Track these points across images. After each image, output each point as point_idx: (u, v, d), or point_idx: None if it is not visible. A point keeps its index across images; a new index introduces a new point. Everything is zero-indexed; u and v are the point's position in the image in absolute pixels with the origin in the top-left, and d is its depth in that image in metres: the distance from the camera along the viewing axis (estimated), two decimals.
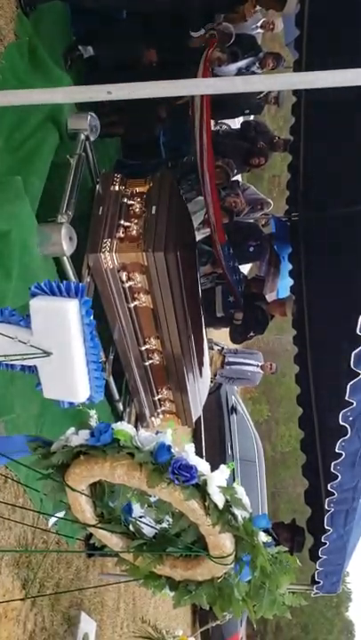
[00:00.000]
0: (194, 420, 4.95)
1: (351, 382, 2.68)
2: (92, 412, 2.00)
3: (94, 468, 1.98)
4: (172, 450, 1.88)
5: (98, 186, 3.71)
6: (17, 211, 2.78)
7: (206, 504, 1.86)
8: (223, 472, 1.90)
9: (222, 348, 7.28)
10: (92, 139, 3.54)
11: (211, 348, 7.04)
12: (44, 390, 1.94)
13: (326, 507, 3.36)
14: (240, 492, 1.90)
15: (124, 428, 1.93)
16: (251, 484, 8.12)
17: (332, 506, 3.36)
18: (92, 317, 1.78)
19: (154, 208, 3.50)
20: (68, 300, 1.73)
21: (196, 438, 8.15)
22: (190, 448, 1.91)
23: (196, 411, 4.88)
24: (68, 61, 4.23)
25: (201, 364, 4.67)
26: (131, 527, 2.15)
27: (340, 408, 2.78)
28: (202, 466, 1.90)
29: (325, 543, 3.45)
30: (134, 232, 3.42)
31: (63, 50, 4.21)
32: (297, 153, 5.51)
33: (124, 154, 5.49)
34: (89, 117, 3.47)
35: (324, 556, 3.52)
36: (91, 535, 2.27)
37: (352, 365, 2.62)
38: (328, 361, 4.19)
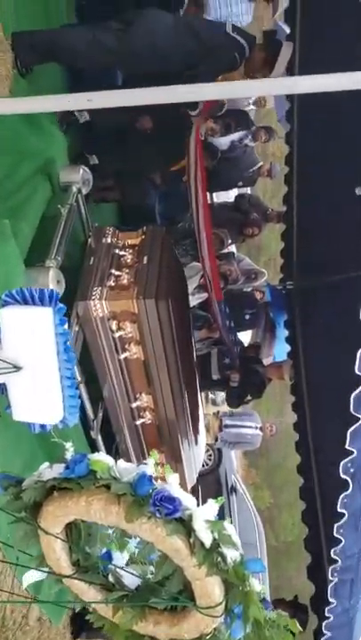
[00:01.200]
0: (188, 490, 4.71)
1: (351, 428, 2.53)
2: (69, 445, 1.84)
3: (69, 504, 1.78)
4: (154, 481, 1.71)
5: (90, 239, 3.70)
6: (1, 252, 2.72)
7: (192, 541, 1.66)
8: (211, 506, 1.72)
9: (218, 412, 7.11)
10: (84, 192, 3.56)
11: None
12: (13, 412, 1.78)
13: (330, 576, 3.09)
14: (230, 529, 1.71)
15: (102, 458, 1.76)
16: None
17: (336, 575, 3.09)
18: (65, 326, 1.67)
19: (145, 258, 3.47)
20: (41, 307, 1.62)
21: None
22: (174, 479, 1.73)
23: (191, 480, 4.64)
24: (63, 126, 4.33)
25: (196, 430, 4.49)
26: (110, 577, 1.92)
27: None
28: (187, 499, 1.71)
29: (329, 617, 3.15)
30: (125, 281, 3.36)
31: (59, 114, 4.32)
32: (290, 221, 5.59)
33: (121, 220, 5.56)
34: (81, 170, 3.50)
35: (328, 633, 3.19)
36: (77, 614, 2.03)
37: (352, 410, 2.48)
38: (328, 427, 4.04)
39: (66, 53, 3.68)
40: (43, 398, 1.72)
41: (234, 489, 9.08)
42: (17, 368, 1.65)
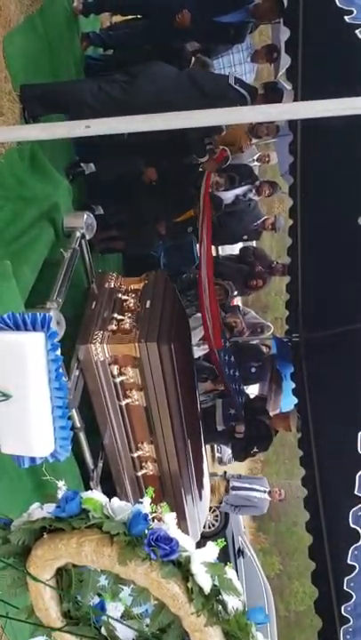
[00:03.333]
0: None
1: (360, 472, 2.41)
2: (61, 483, 1.74)
3: (59, 546, 1.67)
4: (150, 520, 1.60)
5: (93, 285, 3.68)
6: (1, 291, 2.70)
7: (189, 586, 1.53)
8: (210, 549, 1.60)
9: (225, 473, 6.86)
10: (87, 237, 3.56)
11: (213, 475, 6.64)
12: (1, 445, 1.69)
13: (341, 639, 2.89)
14: (231, 574, 1.58)
15: (95, 496, 1.66)
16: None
17: (349, 637, 2.88)
18: (58, 352, 1.59)
19: (148, 302, 3.43)
20: (33, 333, 1.56)
21: None
22: (171, 518, 1.62)
23: (195, 536, 4.44)
24: (69, 176, 4.40)
25: (200, 484, 4.33)
26: (103, 630, 1.78)
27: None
28: (184, 540, 1.60)
29: None
30: (127, 325, 3.32)
31: (65, 165, 4.40)
32: (295, 273, 5.59)
33: (125, 270, 5.56)
34: (85, 216, 3.52)
35: None
36: None
37: (359, 450, 2.37)
38: (337, 480, 3.89)
39: (72, 104, 3.78)
40: (32, 429, 1.63)
41: (241, 552, 8.72)
42: (6, 396, 1.57)
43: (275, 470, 20.67)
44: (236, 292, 6.31)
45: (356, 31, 2.31)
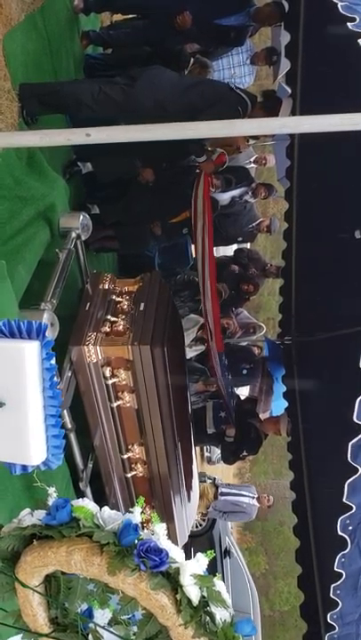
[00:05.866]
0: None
1: (349, 480, 2.42)
2: (52, 490, 1.74)
3: (48, 554, 1.67)
4: (140, 531, 1.60)
5: (87, 285, 3.67)
6: None
7: (178, 597, 1.54)
8: (200, 560, 1.61)
9: (214, 479, 6.86)
10: (83, 237, 3.56)
11: (203, 481, 6.64)
12: None
13: None
14: (220, 585, 1.59)
15: (86, 504, 1.66)
16: None
17: None
18: (53, 361, 1.60)
19: (142, 305, 3.43)
20: (28, 341, 1.56)
21: None
22: (161, 529, 1.63)
23: (183, 538, 4.45)
24: (66, 175, 4.39)
25: (189, 486, 4.34)
26: (90, 637, 1.78)
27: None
28: (174, 552, 1.60)
29: None
30: (121, 327, 3.32)
31: (62, 164, 4.39)
32: (288, 276, 5.60)
33: (119, 270, 5.56)
34: (81, 216, 3.51)
35: None
36: None
37: (349, 459, 2.39)
38: (326, 485, 3.91)
39: (71, 104, 3.76)
40: (25, 438, 1.64)
41: (228, 552, 8.74)
42: (0, 404, 1.58)
43: (263, 470, 20.73)
44: (227, 293, 6.31)
45: (359, 40, 2.30)
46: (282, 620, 17.78)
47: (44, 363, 1.58)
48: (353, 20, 2.35)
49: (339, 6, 2.39)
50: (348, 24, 2.35)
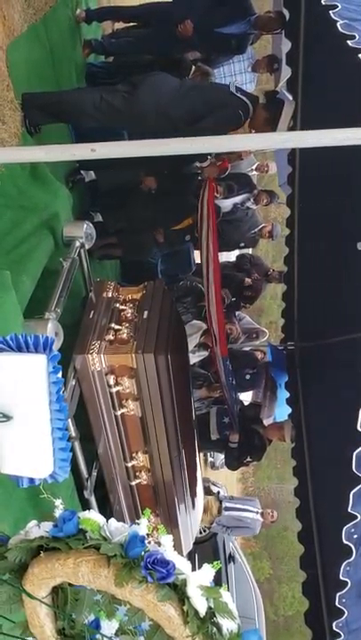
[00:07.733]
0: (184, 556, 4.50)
1: (354, 490, 2.43)
2: (59, 502, 1.74)
3: (55, 566, 1.68)
4: (147, 542, 1.61)
5: (91, 293, 3.68)
6: (0, 301, 2.70)
7: (185, 609, 1.55)
8: (206, 572, 1.61)
9: (218, 492, 6.85)
10: (87, 246, 3.57)
11: (208, 493, 6.62)
12: (1, 465, 1.70)
13: None
14: (226, 596, 1.60)
15: (92, 516, 1.67)
16: None
17: None
18: (59, 374, 1.61)
19: (146, 313, 3.44)
20: (35, 355, 1.57)
21: None
22: (168, 541, 1.63)
23: (187, 545, 4.45)
24: (69, 184, 4.41)
25: (194, 493, 4.34)
26: None
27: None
28: (181, 563, 1.61)
29: None
30: (125, 335, 3.33)
31: (65, 172, 4.41)
32: (291, 282, 5.61)
33: (122, 277, 5.58)
34: (85, 225, 3.53)
35: None
36: None
37: (354, 469, 2.39)
38: (330, 492, 3.90)
39: (73, 113, 3.78)
40: (32, 451, 1.65)
41: (232, 557, 8.72)
42: (7, 418, 1.59)
43: (267, 474, 20.71)
44: (230, 299, 6.33)
45: (359, 55, 2.32)
46: (286, 624, 17.75)
47: (51, 376, 1.59)
48: (352, 37, 2.37)
49: (338, 25, 2.41)
50: (349, 42, 2.36)
